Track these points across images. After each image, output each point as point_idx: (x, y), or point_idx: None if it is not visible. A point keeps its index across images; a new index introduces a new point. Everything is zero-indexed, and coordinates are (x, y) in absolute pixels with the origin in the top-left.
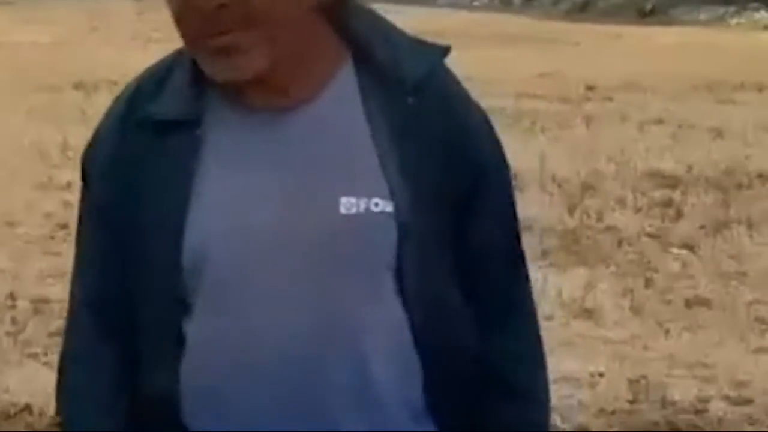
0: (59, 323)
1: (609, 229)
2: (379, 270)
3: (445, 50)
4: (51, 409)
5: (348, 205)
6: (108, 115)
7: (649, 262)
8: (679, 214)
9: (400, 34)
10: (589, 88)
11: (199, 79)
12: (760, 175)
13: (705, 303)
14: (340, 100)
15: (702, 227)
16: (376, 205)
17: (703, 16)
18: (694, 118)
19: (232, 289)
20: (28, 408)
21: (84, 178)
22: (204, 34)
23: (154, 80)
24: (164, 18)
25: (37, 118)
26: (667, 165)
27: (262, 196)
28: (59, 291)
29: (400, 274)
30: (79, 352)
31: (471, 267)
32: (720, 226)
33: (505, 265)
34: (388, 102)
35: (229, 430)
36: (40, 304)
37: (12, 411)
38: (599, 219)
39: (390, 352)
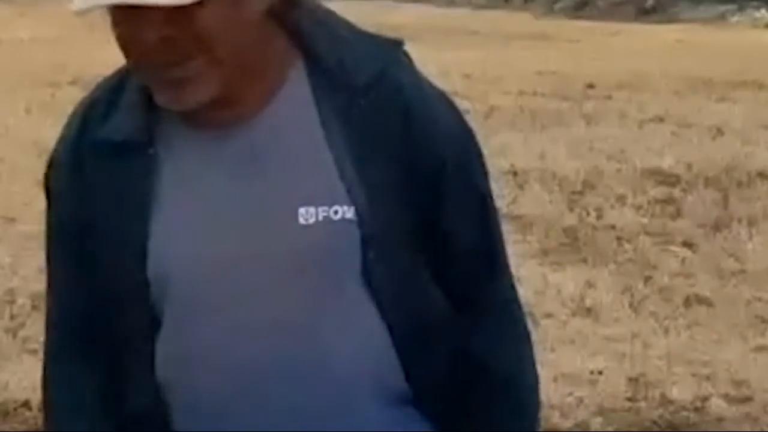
0: None
1: (609, 227)
2: (345, 279)
3: (398, 44)
4: None
5: (306, 215)
6: (62, 138)
7: (648, 260)
8: (679, 213)
9: (353, 32)
10: (589, 86)
11: (148, 99)
12: (760, 174)
13: (704, 301)
14: (293, 106)
15: (702, 225)
16: (336, 212)
17: (703, 14)
18: (694, 116)
19: (197, 307)
20: (27, 404)
21: (47, 195)
22: (150, 65)
23: (105, 100)
24: None
25: (36, 114)
26: (667, 163)
27: (220, 213)
28: None
29: (369, 282)
30: (61, 373)
31: (446, 263)
32: (720, 225)
33: (480, 258)
34: (340, 104)
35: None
36: (39, 301)
37: (11, 407)
38: (599, 217)
39: (362, 361)
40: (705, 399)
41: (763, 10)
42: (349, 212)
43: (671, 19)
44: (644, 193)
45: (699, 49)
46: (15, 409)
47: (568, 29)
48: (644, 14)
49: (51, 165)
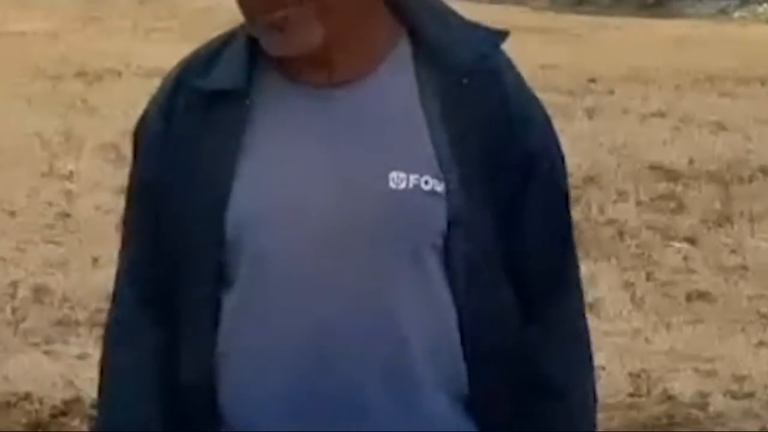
0: (60, 312)
1: (610, 222)
2: (425, 253)
3: (504, 34)
4: (51, 398)
5: (398, 179)
6: (158, 90)
7: (650, 255)
8: (681, 208)
9: (457, 17)
10: (591, 80)
11: (252, 54)
12: (762, 169)
13: (706, 297)
14: (394, 78)
15: (704, 221)
16: (426, 182)
17: (705, 9)
18: (696, 111)
19: (273, 262)
20: (28, 397)
21: (134, 152)
22: (260, 9)
23: (205, 56)
24: (166, 7)
25: (38, 107)
26: (669, 158)
27: (309, 169)
28: (60, 280)
29: (447, 262)
30: (123, 330)
31: (520, 261)
32: (722, 220)
33: (554, 260)
34: (442, 82)
35: (263, 411)
36: (41, 294)
37: (12, 400)
38: (601, 212)
39: (432, 339)
40: (707, 395)
41: (765, 5)
42: (439, 186)
43: (673, 14)
44: (646, 188)
45: (701, 44)
46: (16, 402)
47: (570, 23)
48: (646, 9)
49: (142, 117)
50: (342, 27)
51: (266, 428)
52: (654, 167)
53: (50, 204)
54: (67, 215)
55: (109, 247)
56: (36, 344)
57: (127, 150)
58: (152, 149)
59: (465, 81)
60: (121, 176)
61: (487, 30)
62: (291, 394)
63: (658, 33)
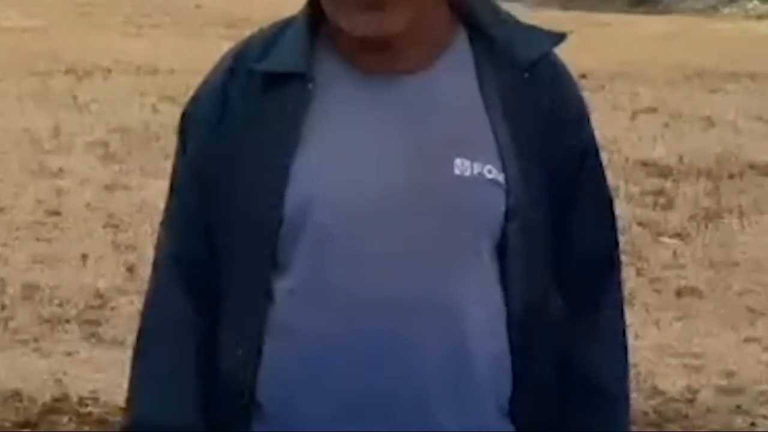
0: (49, 310)
1: None
2: (482, 243)
3: (562, 36)
4: (40, 395)
5: (462, 167)
6: (211, 74)
7: (640, 251)
8: (671, 204)
9: (515, 19)
10: (582, 76)
11: (313, 38)
12: (751, 165)
13: (696, 292)
14: (455, 70)
15: (693, 217)
16: (489, 172)
17: (695, 5)
18: (686, 107)
19: (334, 243)
20: (17, 394)
21: (181, 132)
22: None
23: (264, 40)
24: (157, 4)
25: (28, 103)
26: (659, 154)
27: (373, 152)
28: (49, 277)
29: (502, 255)
30: (163, 318)
31: (567, 260)
32: (711, 216)
33: (601, 265)
34: (502, 77)
35: (312, 403)
36: (29, 291)
37: (1, 398)
38: None
39: (487, 332)
40: (696, 390)
41: (755, 1)
42: (500, 176)
43: (663, 10)
44: (636, 184)
45: (691, 40)
46: (5, 400)
47: (560, 20)
48: (636, 5)
49: (195, 97)
50: (422, 15)
51: (314, 426)
52: (644, 163)
53: (39, 201)
54: (57, 212)
55: (99, 245)
56: (25, 341)
57: (116, 147)
58: (205, 131)
59: (526, 75)
60: (110, 173)
61: (546, 31)
62: (347, 386)
63: (647, 29)
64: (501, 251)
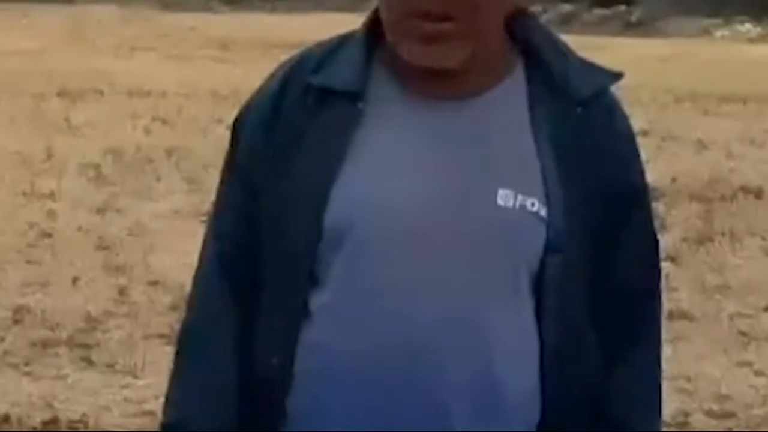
0: (40, 333)
1: None
2: (520, 275)
3: (617, 76)
4: (30, 418)
5: (505, 198)
6: (266, 82)
7: None
8: (663, 226)
9: (575, 54)
10: None
11: (369, 56)
12: (743, 188)
13: (687, 316)
14: (507, 99)
15: (685, 239)
16: (532, 205)
17: (688, 29)
18: (678, 130)
19: (371, 263)
20: (7, 418)
21: (233, 137)
22: (422, 13)
23: (321, 54)
24: (150, 27)
25: (20, 125)
26: (651, 177)
27: (415, 175)
28: (40, 300)
29: (539, 288)
30: (205, 298)
31: (607, 300)
32: (703, 239)
33: (641, 305)
34: (555, 110)
35: (332, 415)
36: (20, 314)
37: None
38: None
39: (517, 362)
40: (687, 414)
41: (748, 25)
42: (542, 210)
43: (657, 34)
44: None
45: (684, 64)
46: None
47: None
48: (630, 28)
49: (248, 104)
50: (481, 47)
51: None
52: None
53: (31, 224)
54: (48, 235)
55: (90, 267)
56: (15, 365)
57: (109, 169)
58: (256, 137)
59: (579, 110)
60: (102, 195)
61: (604, 68)
62: (371, 406)
63: (641, 52)
64: (538, 283)
